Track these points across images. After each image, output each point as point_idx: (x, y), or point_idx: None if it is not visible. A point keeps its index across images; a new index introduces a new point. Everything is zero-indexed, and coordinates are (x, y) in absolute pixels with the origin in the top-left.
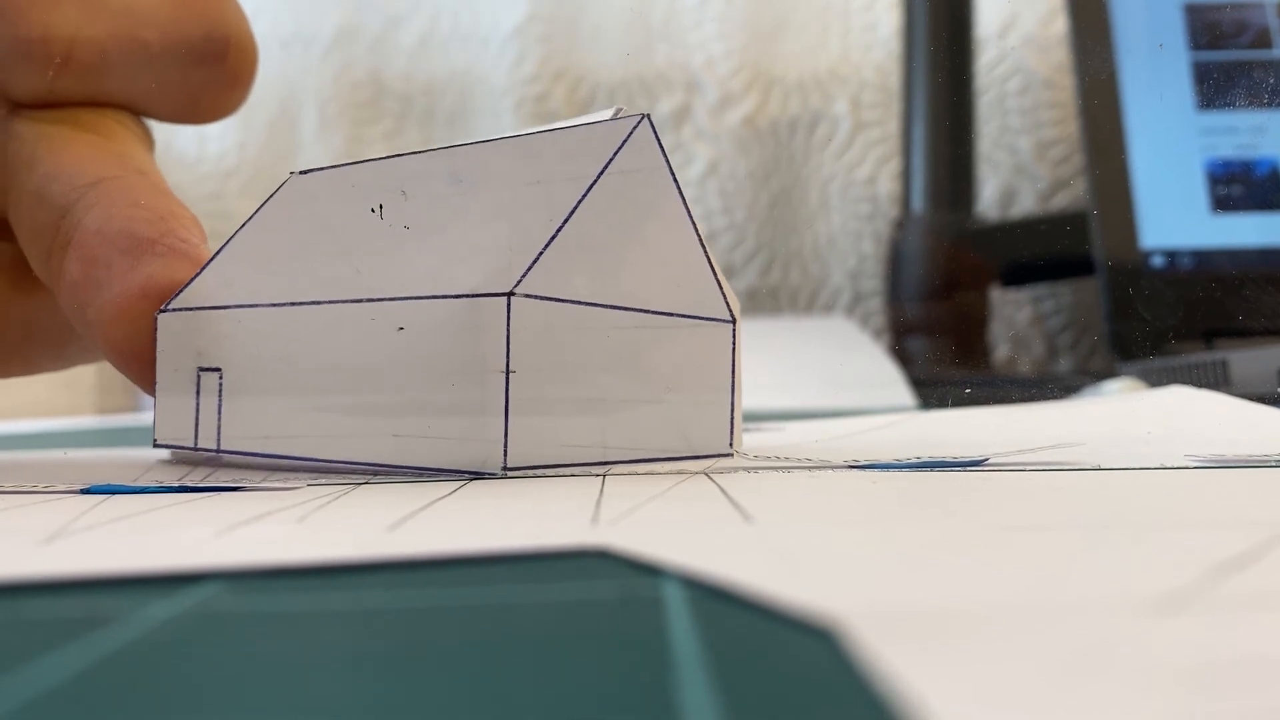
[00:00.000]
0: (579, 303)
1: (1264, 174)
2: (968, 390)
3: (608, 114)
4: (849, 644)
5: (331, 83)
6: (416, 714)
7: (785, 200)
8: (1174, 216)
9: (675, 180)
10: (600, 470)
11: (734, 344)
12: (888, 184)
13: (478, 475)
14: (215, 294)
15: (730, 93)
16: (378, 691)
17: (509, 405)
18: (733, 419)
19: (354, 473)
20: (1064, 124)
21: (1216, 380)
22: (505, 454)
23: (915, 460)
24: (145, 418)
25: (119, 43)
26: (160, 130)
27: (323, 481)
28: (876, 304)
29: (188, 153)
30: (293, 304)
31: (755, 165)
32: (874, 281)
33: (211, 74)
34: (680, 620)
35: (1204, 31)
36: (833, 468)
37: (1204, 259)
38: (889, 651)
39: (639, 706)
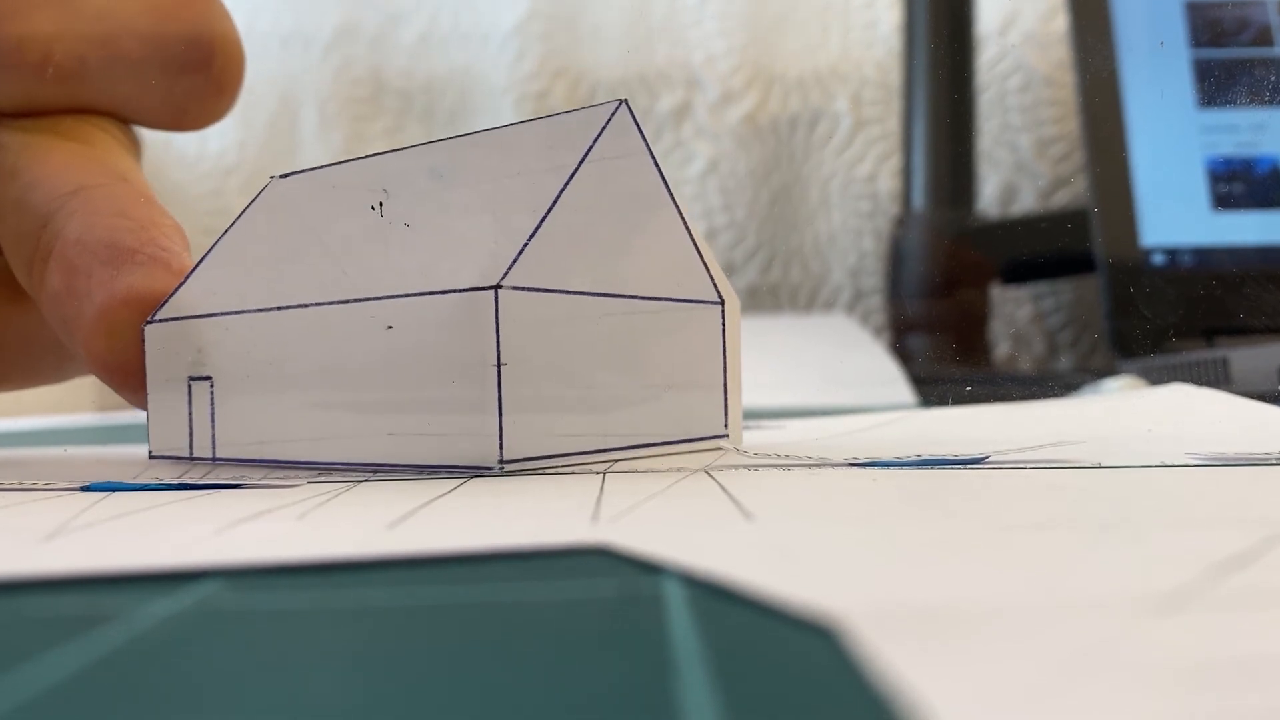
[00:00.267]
0: (567, 292)
1: (1265, 172)
2: (968, 388)
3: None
4: (849, 642)
5: (331, 80)
6: (416, 712)
7: (786, 198)
8: (1175, 214)
9: (657, 165)
10: (600, 467)
11: (723, 325)
12: (888, 181)
13: (477, 473)
14: (201, 302)
15: (731, 90)
16: (377, 689)
17: (503, 398)
18: (727, 402)
19: (354, 471)
20: (1065, 121)
21: (1217, 378)
22: (501, 448)
23: (915, 458)
24: (144, 415)
25: (98, 50)
26: None
27: (322, 479)
28: (877, 302)
29: (188, 151)
30: (280, 308)
31: (756, 163)
32: (874, 279)
33: (197, 82)
34: (680, 618)
35: (1205, 29)
36: (833, 465)
37: (1205, 257)
38: (889, 649)
39: (639, 704)
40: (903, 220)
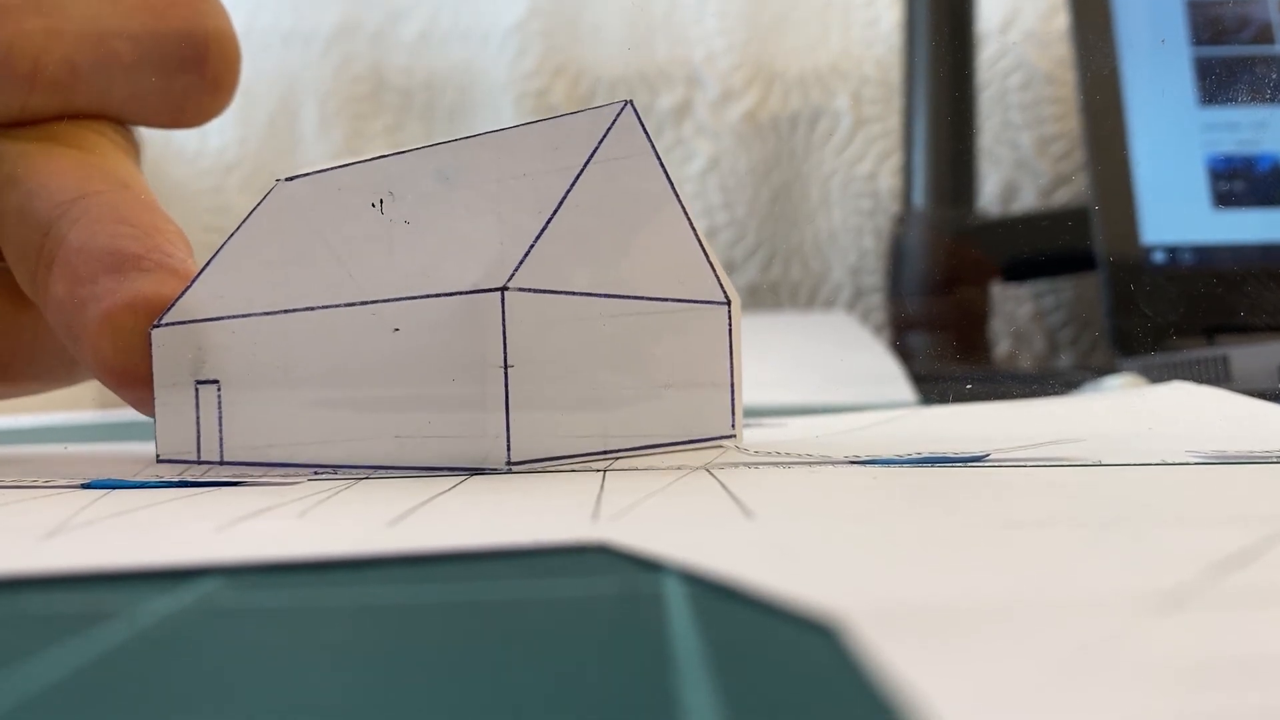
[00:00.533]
0: (573, 293)
1: (1266, 170)
2: (968, 386)
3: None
4: (849, 640)
5: (332, 78)
6: (416, 710)
7: (786, 195)
8: (1175, 212)
9: (662, 165)
10: (601, 465)
11: (730, 326)
12: (889, 179)
13: (478, 470)
14: (207, 306)
15: (731, 88)
16: (378, 687)
17: (509, 400)
18: (734, 402)
19: (358, 471)
20: (1065, 119)
21: (1217, 376)
22: (508, 449)
23: (916, 456)
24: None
25: (89, 54)
26: None
27: (323, 476)
28: (877, 299)
29: (188, 147)
30: (286, 311)
31: (756, 160)
32: (875, 277)
33: (192, 79)
34: (680, 616)
35: (1206, 26)
36: (833, 463)
37: (1205, 255)
38: (889, 647)
39: (639, 703)
40: (903, 218)
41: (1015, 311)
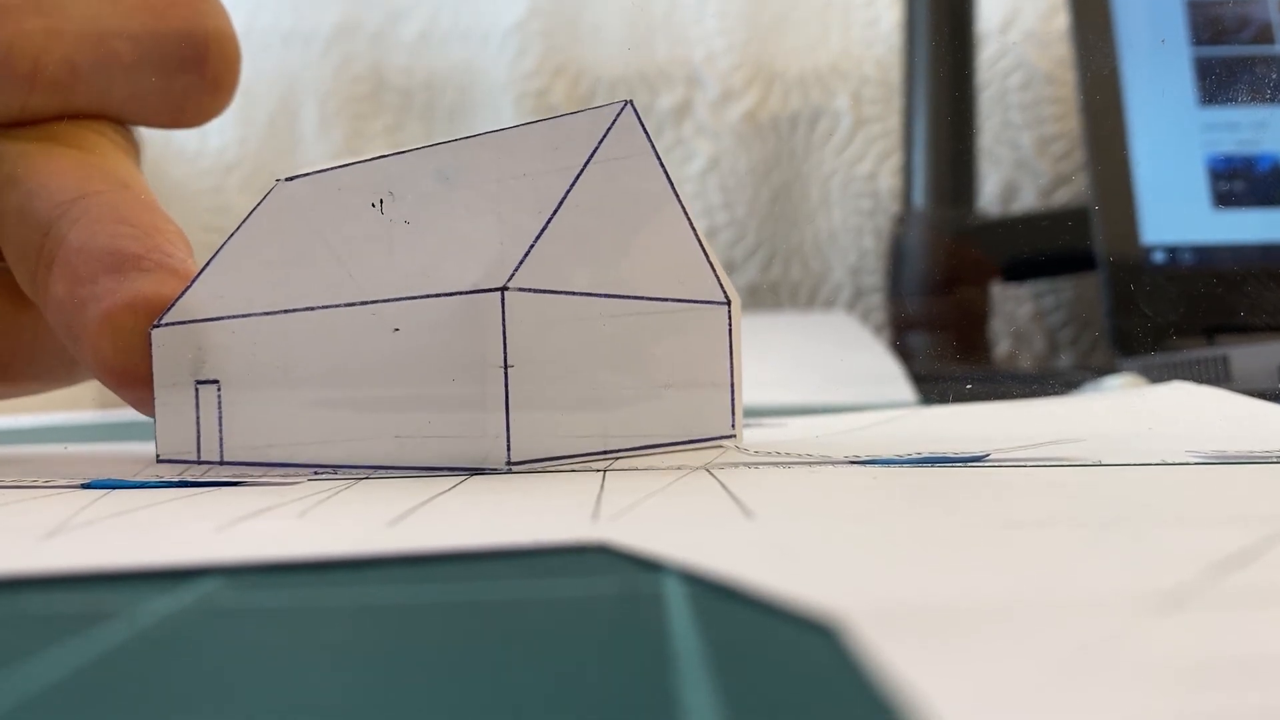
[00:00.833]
0: (574, 293)
1: (1266, 170)
2: (969, 386)
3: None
4: (849, 640)
5: (332, 77)
6: (416, 710)
7: (786, 195)
8: (1175, 212)
9: (662, 165)
10: (601, 465)
11: (730, 326)
12: (889, 179)
13: (479, 470)
14: (208, 306)
15: (731, 88)
16: (378, 687)
17: (509, 400)
18: (734, 402)
19: (358, 471)
20: (1065, 119)
21: (1217, 376)
22: (509, 449)
23: (916, 456)
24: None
25: (88, 54)
26: None
27: (323, 476)
28: (877, 299)
29: (188, 147)
30: (286, 311)
31: (756, 160)
32: (875, 277)
33: (192, 79)
34: (680, 616)
35: (1206, 26)
36: (834, 463)
37: (1205, 255)
38: (889, 648)
39: (639, 703)
40: (903, 218)
41: (1015, 311)
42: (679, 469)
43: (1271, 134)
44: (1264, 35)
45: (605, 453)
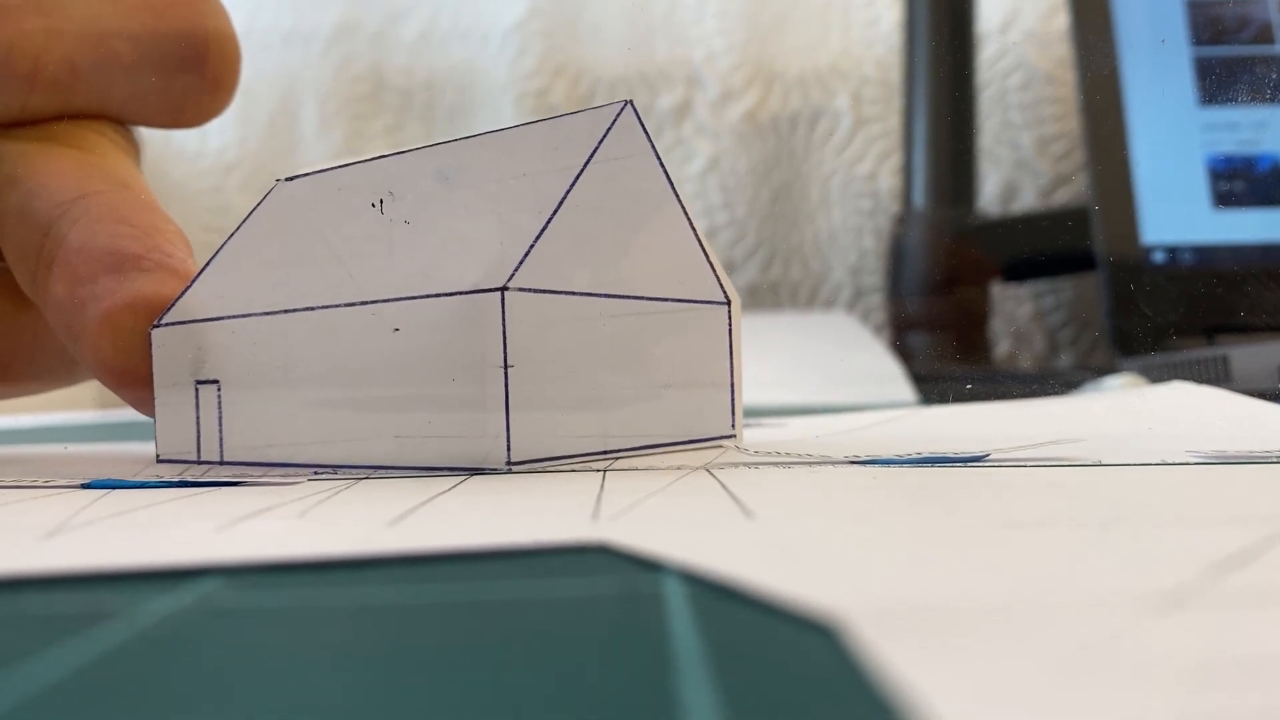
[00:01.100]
0: (573, 294)
1: (1266, 170)
2: (969, 386)
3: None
4: (849, 640)
5: (332, 77)
6: (416, 710)
7: (786, 196)
8: (1175, 212)
9: (662, 165)
10: (601, 465)
11: (730, 326)
12: (889, 179)
13: (479, 470)
14: (208, 306)
15: (731, 88)
16: (378, 687)
17: (509, 400)
18: (734, 402)
19: (358, 471)
20: (1065, 119)
21: (1217, 376)
22: (509, 449)
23: (916, 456)
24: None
25: (88, 54)
26: None
27: (323, 476)
28: (877, 299)
29: (188, 147)
30: (286, 311)
31: (756, 161)
32: (875, 277)
33: (192, 80)
34: (680, 616)
35: (1206, 26)
36: (834, 463)
37: (1205, 255)
38: (889, 648)
39: (639, 703)
40: (903, 218)
41: (1015, 311)
42: (679, 469)
43: (1271, 134)
44: (1264, 35)
45: (605, 453)
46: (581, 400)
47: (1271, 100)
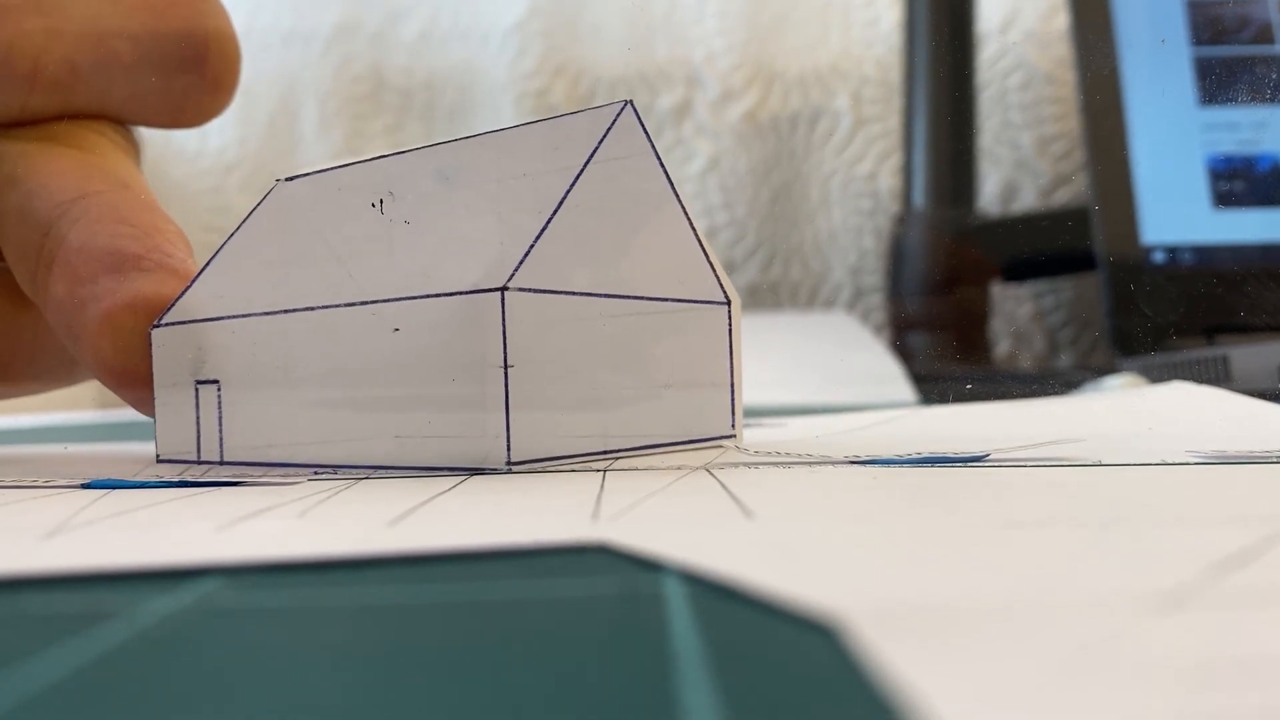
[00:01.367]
0: (574, 294)
1: (1266, 170)
2: (969, 386)
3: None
4: (850, 640)
5: (332, 77)
6: (416, 710)
7: (786, 195)
8: (1175, 212)
9: (662, 165)
10: (601, 465)
11: (730, 326)
12: (889, 179)
13: (479, 470)
14: (208, 306)
15: (731, 88)
16: (378, 687)
17: (509, 400)
18: (734, 402)
19: (358, 471)
20: (1065, 119)
21: (1217, 376)
22: (509, 449)
23: (916, 456)
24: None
25: (88, 54)
26: None
27: (323, 476)
28: (877, 299)
29: (188, 147)
30: (286, 311)
31: (756, 160)
32: (875, 277)
33: (192, 80)
34: (681, 616)
35: (1206, 26)
36: (834, 463)
37: (1205, 255)
38: (889, 648)
39: (639, 703)
40: (903, 218)
41: (1015, 311)
42: (679, 469)
43: (1271, 134)
44: (1264, 35)
45: (605, 453)
46: (581, 400)
47: (1271, 100)
